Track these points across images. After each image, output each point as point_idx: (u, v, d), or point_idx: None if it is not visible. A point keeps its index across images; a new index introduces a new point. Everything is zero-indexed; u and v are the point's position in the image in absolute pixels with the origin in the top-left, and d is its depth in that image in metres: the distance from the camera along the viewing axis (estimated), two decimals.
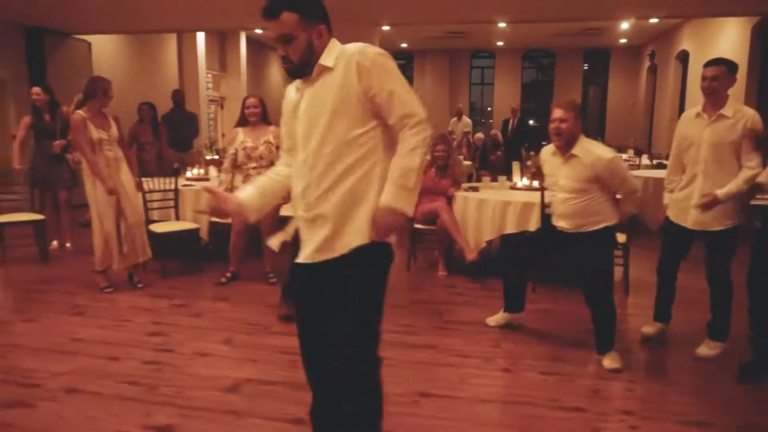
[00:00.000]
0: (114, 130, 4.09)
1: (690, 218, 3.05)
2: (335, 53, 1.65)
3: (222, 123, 12.62)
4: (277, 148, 4.23)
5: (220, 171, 4.81)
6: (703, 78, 2.93)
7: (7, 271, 4.83)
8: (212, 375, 2.88)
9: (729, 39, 8.16)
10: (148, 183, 4.79)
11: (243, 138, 4.28)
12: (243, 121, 4.35)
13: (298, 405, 2.56)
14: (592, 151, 2.92)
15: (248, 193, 1.83)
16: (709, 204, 2.89)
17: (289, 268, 3.62)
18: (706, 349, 3.10)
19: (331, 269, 1.69)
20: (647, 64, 12.71)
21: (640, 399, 2.67)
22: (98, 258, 4.15)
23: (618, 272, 4.71)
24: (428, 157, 4.70)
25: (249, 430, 2.37)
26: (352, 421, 1.70)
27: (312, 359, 1.85)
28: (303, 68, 1.66)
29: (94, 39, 8.46)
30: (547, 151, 3.18)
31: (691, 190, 3.03)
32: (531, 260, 3.40)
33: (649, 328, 3.36)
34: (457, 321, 3.66)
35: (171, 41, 10.56)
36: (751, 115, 2.86)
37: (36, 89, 5.36)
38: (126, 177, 4.17)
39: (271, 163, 4.23)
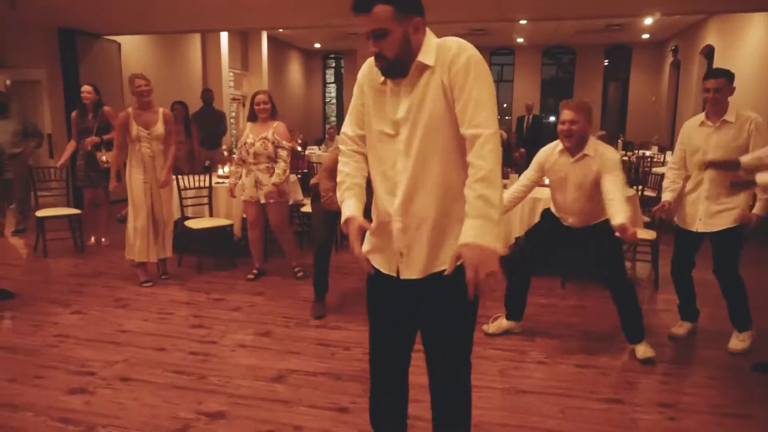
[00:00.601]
0: (158, 127, 4.19)
1: (697, 223, 3.14)
2: (433, 49, 1.54)
3: (243, 121, 12.79)
4: (273, 143, 4.27)
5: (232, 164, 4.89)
6: (707, 90, 3.03)
7: (48, 264, 5.01)
8: (256, 365, 2.99)
9: (756, 33, 8.06)
10: (183, 180, 4.92)
11: (247, 133, 4.37)
12: (252, 117, 4.41)
13: (341, 394, 2.67)
14: (601, 151, 2.97)
15: (357, 208, 1.68)
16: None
17: (317, 271, 3.75)
18: (737, 342, 3.15)
19: (435, 281, 1.64)
20: (670, 59, 12.57)
21: (677, 391, 2.73)
22: (128, 248, 4.31)
23: (647, 269, 4.77)
24: None
25: (297, 418, 2.46)
26: (458, 423, 1.79)
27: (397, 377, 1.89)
28: (399, 65, 1.54)
29: (123, 39, 8.65)
30: (553, 150, 3.13)
31: (697, 195, 3.13)
32: (534, 257, 3.38)
33: (678, 329, 3.41)
34: (488, 316, 3.72)
35: (195, 41, 10.74)
36: (753, 117, 2.98)
37: (87, 87, 5.41)
38: (161, 180, 4.28)
39: (269, 159, 4.30)
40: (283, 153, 4.32)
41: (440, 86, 1.52)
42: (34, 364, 2.96)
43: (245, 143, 4.34)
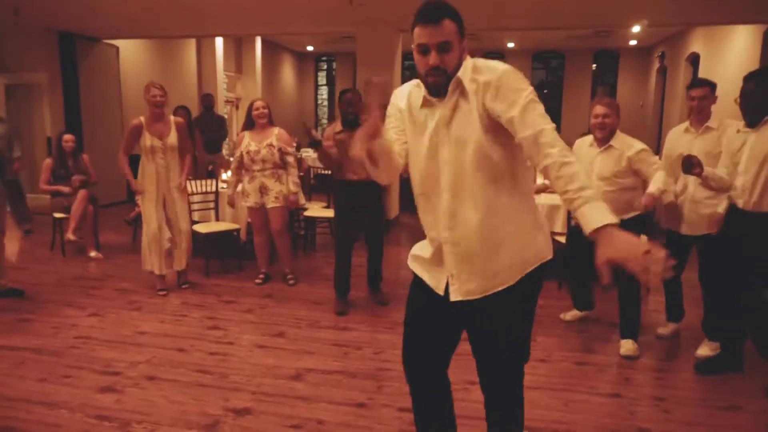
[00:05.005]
0: (172, 137, 4.21)
1: (683, 225, 3.33)
2: (469, 69, 1.60)
3: (237, 123, 12.88)
4: (279, 150, 4.39)
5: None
6: (692, 98, 3.26)
7: (60, 266, 5.09)
8: (275, 365, 3.14)
9: (740, 42, 8.36)
10: (189, 185, 5.03)
11: (248, 141, 4.41)
12: (249, 124, 4.48)
13: (358, 391, 2.84)
14: (626, 141, 3.28)
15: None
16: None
17: (337, 269, 3.94)
18: (707, 349, 3.27)
19: (492, 300, 1.66)
20: (656, 65, 12.89)
21: (669, 386, 2.93)
22: (143, 258, 4.33)
23: None
24: None
25: (319, 414, 2.62)
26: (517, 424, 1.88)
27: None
28: (450, 82, 1.59)
29: (121, 44, 8.72)
30: (584, 143, 3.47)
31: (683, 199, 3.32)
32: (576, 251, 3.66)
33: (664, 329, 3.61)
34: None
35: (190, 44, 10.80)
36: (735, 125, 3.14)
37: (70, 136, 5.54)
38: (176, 185, 4.29)
39: (275, 165, 4.41)
40: (291, 159, 4.47)
41: (478, 106, 1.56)
42: (61, 365, 3.09)
43: (248, 151, 4.38)
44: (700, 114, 3.25)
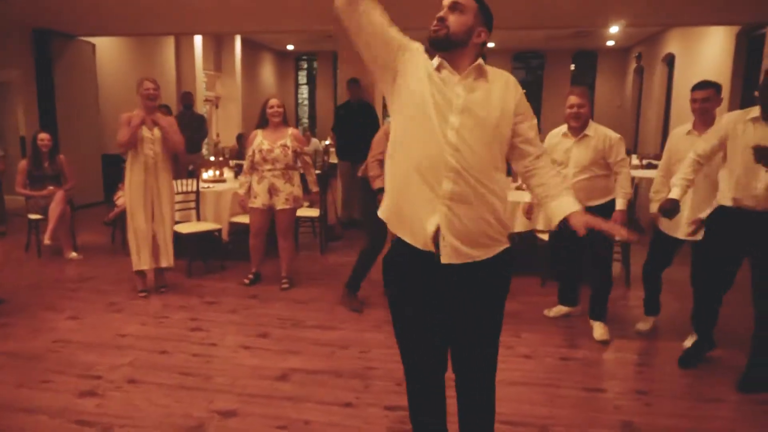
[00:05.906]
0: (158, 130, 4.10)
1: (681, 229, 3.29)
2: (485, 66, 1.72)
3: (217, 122, 12.74)
4: (293, 151, 4.34)
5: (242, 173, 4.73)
6: (695, 100, 3.20)
7: (36, 268, 4.97)
8: (259, 365, 3.11)
9: (714, 43, 8.54)
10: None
11: (260, 140, 4.32)
12: (263, 123, 4.40)
13: (344, 390, 2.83)
14: (601, 131, 3.36)
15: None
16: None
17: (362, 270, 3.96)
18: (690, 341, 3.32)
19: (478, 268, 1.72)
20: (634, 65, 13.11)
21: (652, 379, 2.98)
22: (133, 260, 4.19)
23: (617, 267, 5.05)
24: None
25: (306, 414, 2.60)
26: (491, 410, 1.90)
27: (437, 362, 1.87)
28: (447, 45, 1.68)
29: (97, 41, 8.55)
30: (557, 134, 3.52)
31: (682, 203, 3.22)
32: (564, 250, 3.78)
33: (643, 324, 3.64)
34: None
35: (169, 42, 10.64)
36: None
37: (45, 135, 5.39)
38: (163, 181, 4.19)
39: (287, 166, 4.34)
40: (308, 158, 4.45)
41: (502, 98, 1.71)
42: (39, 369, 3.01)
43: (261, 150, 4.28)
44: (703, 116, 3.17)
